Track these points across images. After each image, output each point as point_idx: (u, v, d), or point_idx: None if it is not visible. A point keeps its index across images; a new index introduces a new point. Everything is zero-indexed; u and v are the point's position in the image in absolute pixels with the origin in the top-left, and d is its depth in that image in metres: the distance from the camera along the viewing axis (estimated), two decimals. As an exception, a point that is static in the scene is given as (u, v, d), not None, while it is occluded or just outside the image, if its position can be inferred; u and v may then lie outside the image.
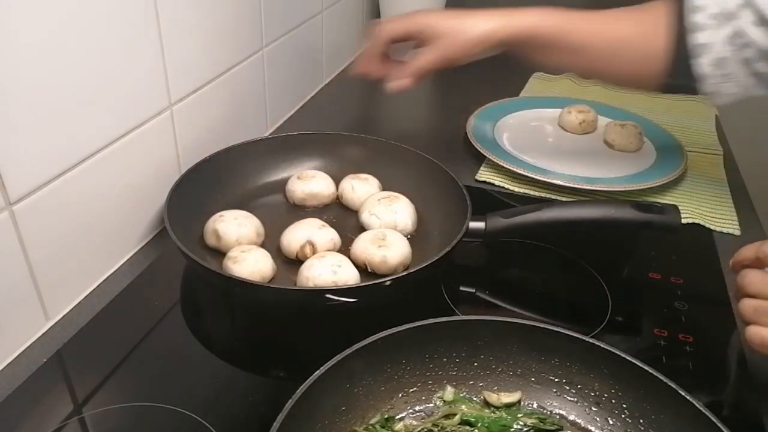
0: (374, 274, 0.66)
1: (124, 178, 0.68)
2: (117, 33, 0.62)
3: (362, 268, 0.66)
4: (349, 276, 0.63)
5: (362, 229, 0.73)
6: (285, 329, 0.64)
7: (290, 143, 0.84)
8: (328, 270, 0.62)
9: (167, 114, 0.73)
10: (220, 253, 0.68)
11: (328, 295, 0.60)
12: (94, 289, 0.67)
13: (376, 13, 1.37)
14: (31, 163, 0.56)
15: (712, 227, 0.81)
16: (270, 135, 1.00)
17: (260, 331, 0.64)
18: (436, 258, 0.62)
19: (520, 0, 0.79)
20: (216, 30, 0.80)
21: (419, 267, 0.61)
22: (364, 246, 0.67)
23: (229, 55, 0.84)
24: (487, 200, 0.86)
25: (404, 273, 0.64)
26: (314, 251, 0.67)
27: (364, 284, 0.62)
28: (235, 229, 0.68)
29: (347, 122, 1.09)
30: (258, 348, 0.62)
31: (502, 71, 1.32)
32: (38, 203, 0.57)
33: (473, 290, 0.70)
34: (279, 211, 0.77)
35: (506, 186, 0.89)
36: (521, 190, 0.88)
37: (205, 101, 0.80)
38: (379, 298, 0.63)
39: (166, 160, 0.75)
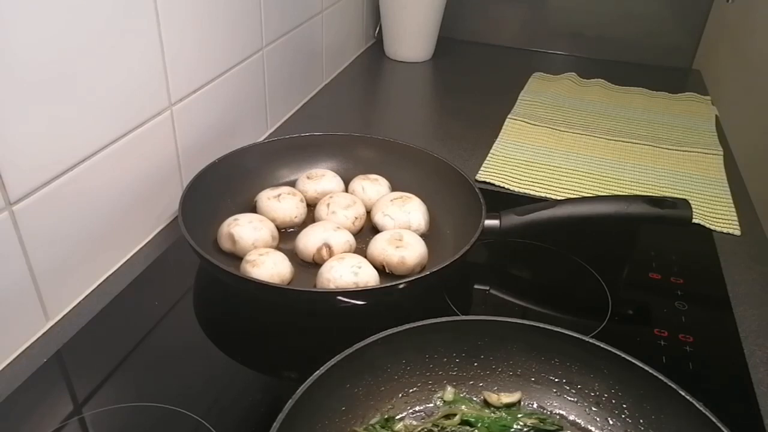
0: (391, 275, 0.66)
1: (124, 178, 0.68)
2: (117, 33, 0.62)
3: (379, 269, 0.66)
4: (369, 277, 0.63)
5: (374, 230, 0.73)
6: (285, 329, 0.64)
7: (297, 145, 0.83)
8: (348, 271, 0.62)
9: (167, 114, 0.73)
10: (230, 256, 0.68)
11: (341, 297, 0.59)
12: (94, 289, 0.67)
13: (376, 13, 1.37)
14: (31, 163, 0.55)
15: (712, 227, 0.81)
16: (275, 137, 1.00)
17: (260, 331, 0.64)
18: (457, 256, 0.61)
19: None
20: (216, 30, 0.80)
21: (442, 265, 0.60)
22: (381, 247, 0.67)
23: (229, 55, 0.84)
24: (487, 200, 0.86)
25: (437, 269, 0.61)
26: (331, 254, 0.67)
27: (395, 283, 0.60)
28: (250, 233, 0.68)
29: (348, 122, 1.09)
30: (258, 348, 0.62)
31: (503, 71, 1.32)
32: (38, 203, 0.57)
33: (473, 290, 0.70)
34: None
35: (506, 186, 0.89)
36: (521, 190, 0.88)
37: (205, 101, 0.80)
38: (398, 298, 0.62)
39: (165, 160, 0.75)
